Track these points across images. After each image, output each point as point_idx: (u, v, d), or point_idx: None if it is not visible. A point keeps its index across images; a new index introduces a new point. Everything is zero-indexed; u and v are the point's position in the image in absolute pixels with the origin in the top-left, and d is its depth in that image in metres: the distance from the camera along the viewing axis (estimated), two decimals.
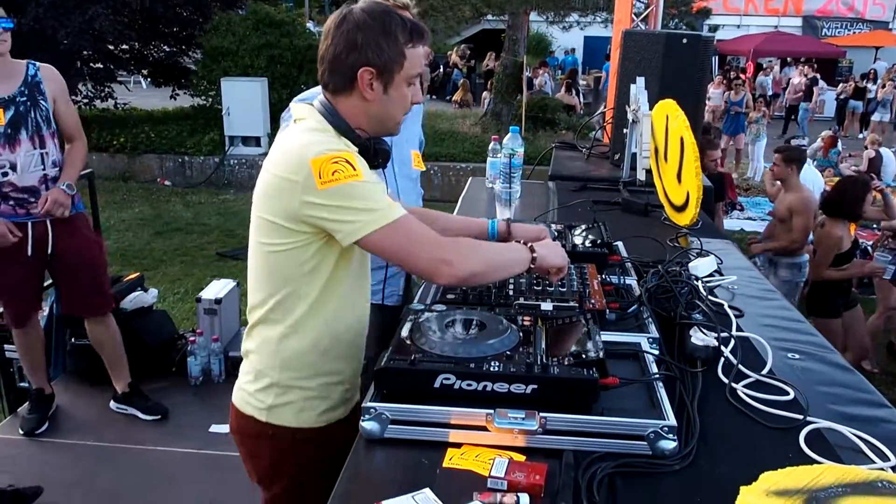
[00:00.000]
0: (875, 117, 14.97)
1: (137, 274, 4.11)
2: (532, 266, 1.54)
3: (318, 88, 1.54)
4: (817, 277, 4.46)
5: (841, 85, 17.38)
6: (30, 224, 2.96)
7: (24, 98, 2.89)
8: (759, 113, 11.58)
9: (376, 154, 1.50)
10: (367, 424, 1.23)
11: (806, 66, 17.29)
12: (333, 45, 1.43)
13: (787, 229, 4.68)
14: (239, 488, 2.94)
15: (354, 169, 1.35)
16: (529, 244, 1.56)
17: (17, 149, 2.87)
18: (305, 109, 1.50)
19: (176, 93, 11.62)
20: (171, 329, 4.08)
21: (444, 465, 1.17)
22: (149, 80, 12.20)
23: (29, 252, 2.97)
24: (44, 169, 2.95)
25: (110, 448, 3.16)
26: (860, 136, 14.95)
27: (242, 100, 9.52)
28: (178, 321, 4.61)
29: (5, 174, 2.86)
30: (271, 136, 9.58)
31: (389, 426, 1.23)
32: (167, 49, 11.69)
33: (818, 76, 16.71)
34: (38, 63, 3.00)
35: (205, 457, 3.14)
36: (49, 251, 3.02)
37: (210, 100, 10.49)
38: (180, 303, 5.44)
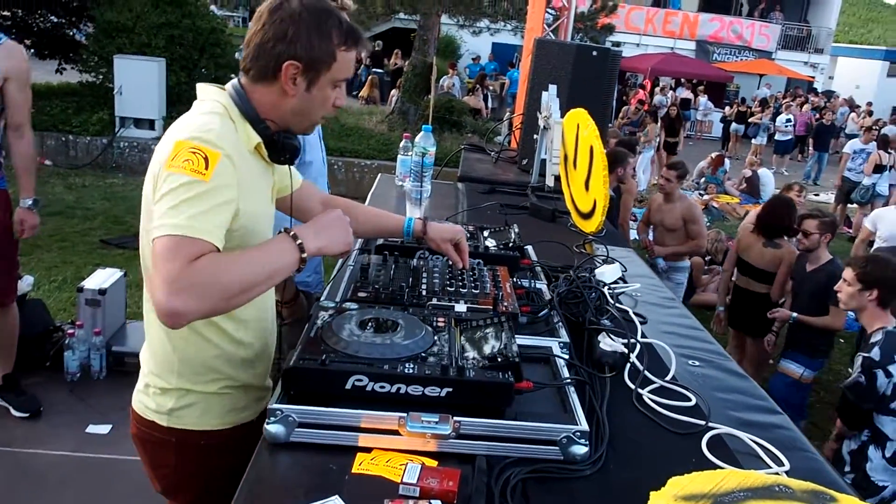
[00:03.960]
0: (755, 140, 16.07)
1: None
2: (303, 257, 1.29)
3: None
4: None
5: (727, 108, 18.55)
6: None
7: None
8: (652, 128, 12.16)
9: (283, 148, 1.40)
10: (272, 427, 1.16)
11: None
12: (263, 31, 1.33)
13: (678, 237, 4.98)
14: (117, 494, 2.75)
15: (206, 169, 1.21)
16: (293, 233, 1.30)
17: None
18: (212, 91, 1.40)
19: (62, 67, 10.82)
20: (46, 320, 3.79)
21: (354, 470, 1.12)
22: (33, 51, 11.29)
23: None
24: None
25: None
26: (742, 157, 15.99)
27: (137, 80, 8.98)
28: (55, 312, 4.26)
29: None
30: (166, 120, 9.09)
31: (296, 429, 1.16)
32: (54, 19, 10.86)
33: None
34: (4, 38, 2.69)
35: (80, 460, 2.93)
36: None
37: (101, 77, 9.81)
38: (57, 292, 5.04)
